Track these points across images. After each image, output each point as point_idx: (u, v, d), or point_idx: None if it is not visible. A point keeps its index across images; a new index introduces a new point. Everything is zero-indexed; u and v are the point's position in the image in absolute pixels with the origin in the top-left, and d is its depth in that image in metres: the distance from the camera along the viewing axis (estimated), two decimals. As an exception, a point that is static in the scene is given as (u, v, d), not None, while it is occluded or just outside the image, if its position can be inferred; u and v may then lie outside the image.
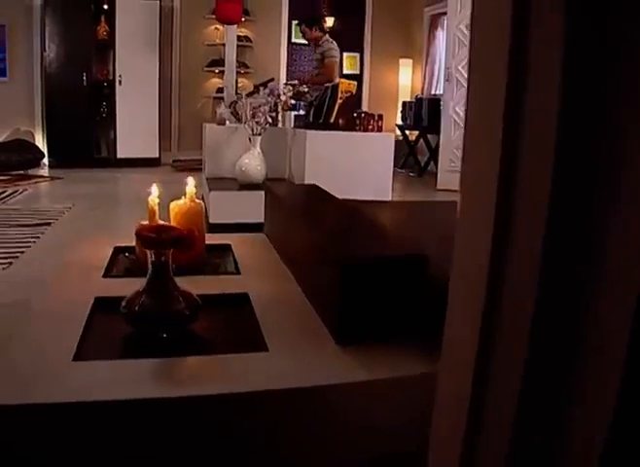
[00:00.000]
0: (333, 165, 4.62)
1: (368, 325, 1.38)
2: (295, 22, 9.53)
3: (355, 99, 5.03)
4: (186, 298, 1.40)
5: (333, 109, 4.72)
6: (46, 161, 8.44)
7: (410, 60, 9.94)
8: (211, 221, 4.49)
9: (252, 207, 4.52)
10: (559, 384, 0.64)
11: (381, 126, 4.81)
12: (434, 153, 8.61)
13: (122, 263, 1.84)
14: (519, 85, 0.63)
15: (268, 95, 4.86)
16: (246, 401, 1.16)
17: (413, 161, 9.13)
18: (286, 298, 1.60)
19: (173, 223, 1.78)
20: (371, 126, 4.71)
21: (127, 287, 1.48)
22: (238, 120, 5.34)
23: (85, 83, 8.57)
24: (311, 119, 4.83)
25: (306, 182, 4.59)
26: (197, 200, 1.84)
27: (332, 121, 4.71)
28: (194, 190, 1.83)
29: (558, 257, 0.62)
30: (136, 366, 1.23)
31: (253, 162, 4.66)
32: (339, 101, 4.71)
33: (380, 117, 4.85)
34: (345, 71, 9.80)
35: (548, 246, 0.61)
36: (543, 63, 0.60)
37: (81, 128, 8.64)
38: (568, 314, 0.62)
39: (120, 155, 8.74)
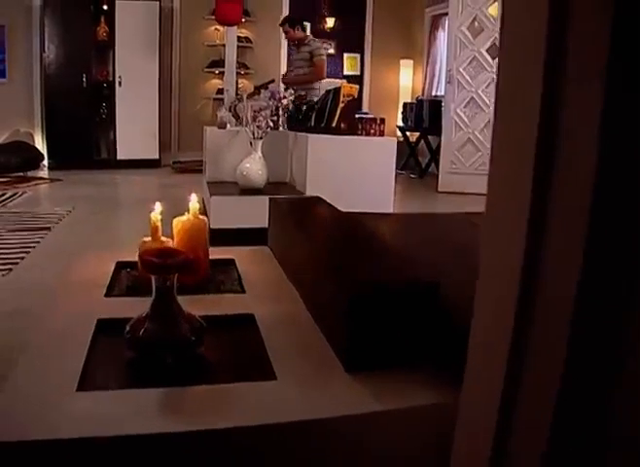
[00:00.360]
0: (334, 170, 4.59)
1: (378, 352, 1.35)
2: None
3: (356, 100, 4.98)
4: (191, 322, 1.37)
5: (335, 113, 4.68)
6: (45, 162, 8.40)
7: (411, 61, 9.90)
8: (212, 226, 4.45)
9: (253, 212, 4.49)
10: (594, 422, 0.61)
11: (383, 131, 4.77)
12: (435, 154, 8.58)
13: (124, 280, 1.81)
14: (558, 77, 0.59)
15: (270, 99, 4.82)
16: (255, 435, 1.12)
17: (414, 162, 9.10)
18: (293, 320, 1.57)
19: (176, 240, 1.75)
20: (373, 131, 4.68)
21: (130, 308, 1.45)
22: (239, 121, 5.31)
23: (84, 84, 8.53)
24: (313, 123, 4.79)
25: (308, 186, 4.56)
26: (201, 216, 1.81)
27: (334, 125, 4.68)
28: (197, 206, 1.80)
29: (599, 270, 0.58)
30: (141, 397, 1.19)
31: (254, 167, 4.63)
32: (341, 105, 4.67)
33: (382, 121, 4.82)
34: (346, 72, 9.78)
35: (588, 257, 0.57)
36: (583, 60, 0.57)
37: (80, 130, 8.60)
38: (608, 341, 0.59)
39: (120, 156, 8.70)
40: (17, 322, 2.90)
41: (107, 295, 1.68)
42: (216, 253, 1.98)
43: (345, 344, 1.33)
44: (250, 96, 7.90)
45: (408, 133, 9.23)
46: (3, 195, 6.38)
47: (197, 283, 1.68)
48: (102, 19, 8.56)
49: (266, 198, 4.50)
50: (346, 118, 4.74)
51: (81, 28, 8.47)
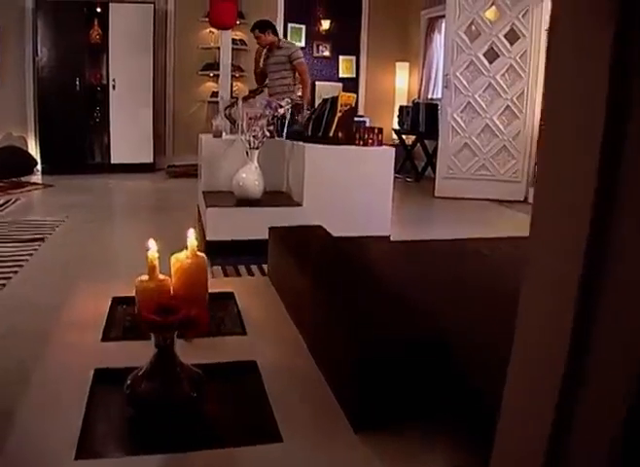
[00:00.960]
0: (332, 180, 4.54)
1: (388, 411, 1.30)
2: (291, 26, 9.46)
3: (353, 109, 4.93)
4: (191, 376, 1.32)
5: (332, 122, 4.62)
6: (39, 167, 8.33)
7: (407, 64, 9.84)
8: (208, 238, 4.41)
9: (250, 224, 4.44)
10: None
11: (381, 140, 4.72)
12: (431, 158, 8.54)
13: (120, 319, 1.75)
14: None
15: (266, 108, 4.76)
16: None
17: (410, 165, 9.05)
18: (298, 371, 1.51)
19: (174, 279, 1.70)
20: (370, 140, 4.62)
21: (129, 354, 1.41)
22: (234, 126, 5.26)
23: (78, 87, 8.45)
24: (309, 132, 4.73)
25: (305, 197, 4.52)
26: (200, 254, 1.76)
27: (331, 134, 4.62)
28: (195, 243, 1.75)
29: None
30: (143, 465, 1.14)
31: (250, 177, 4.58)
32: (339, 114, 4.61)
33: (380, 131, 4.76)
34: (341, 74, 9.71)
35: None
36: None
37: (74, 134, 8.53)
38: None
39: (114, 160, 8.63)
40: (10, 342, 2.84)
41: (104, 339, 1.63)
42: (215, 285, 1.92)
43: (354, 405, 1.28)
44: (245, 99, 7.87)
45: (404, 136, 9.18)
46: (-5, 203, 6.32)
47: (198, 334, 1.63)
48: (95, 22, 8.48)
49: (262, 210, 4.50)
50: (344, 127, 4.68)
51: (74, 31, 8.39)
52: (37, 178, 8.04)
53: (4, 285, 3.70)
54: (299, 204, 4.58)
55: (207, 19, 8.39)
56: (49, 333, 1.78)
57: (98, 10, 8.49)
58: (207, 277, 1.75)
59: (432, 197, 7.40)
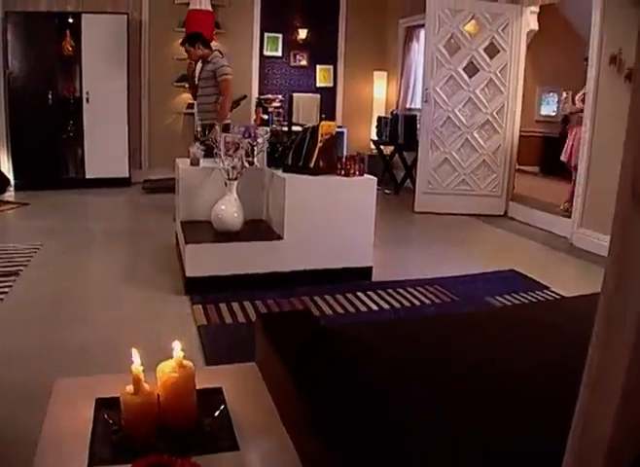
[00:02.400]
0: (314, 211, 4.47)
1: None
2: (267, 35, 9.33)
3: (334, 138, 4.84)
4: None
5: (313, 152, 4.53)
6: (11, 182, 8.14)
7: (385, 73, 9.76)
8: (188, 275, 4.31)
9: (230, 259, 4.37)
10: None
11: (363, 170, 4.64)
12: (410, 170, 8.48)
13: (107, 433, 1.64)
14: None
15: (245, 137, 4.66)
16: None
17: (389, 177, 8.99)
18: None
19: (161, 392, 1.61)
20: (352, 171, 4.54)
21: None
22: (214, 149, 5.14)
23: (50, 100, 8.26)
24: (290, 161, 4.63)
25: (286, 229, 4.43)
26: (186, 362, 1.67)
27: (312, 165, 4.53)
28: (181, 354, 1.66)
29: None
30: None
31: (229, 209, 4.49)
32: (320, 145, 4.52)
33: (362, 160, 4.69)
34: (319, 84, 9.61)
35: None
36: None
37: (47, 148, 8.34)
38: None
39: (88, 175, 8.45)
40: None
41: (91, 463, 1.52)
42: (202, 378, 1.82)
43: None
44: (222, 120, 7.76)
45: (382, 147, 9.11)
46: (-33, 226, 6.16)
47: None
48: (68, 33, 8.29)
49: (242, 245, 4.41)
50: (325, 156, 4.59)
51: (45, 43, 8.20)
52: (10, 195, 7.87)
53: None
54: (279, 237, 4.48)
55: (182, 29, 8.27)
56: (25, 453, 1.67)
57: (70, 21, 8.30)
58: (195, 387, 1.66)
59: (412, 211, 7.35)
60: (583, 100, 6.52)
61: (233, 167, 4.45)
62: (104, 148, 8.43)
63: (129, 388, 1.60)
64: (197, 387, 1.72)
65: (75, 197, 7.77)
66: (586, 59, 6.11)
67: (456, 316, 2.45)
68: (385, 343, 1.98)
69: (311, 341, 1.90)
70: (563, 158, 6.97)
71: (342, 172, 4.56)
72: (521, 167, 7.73)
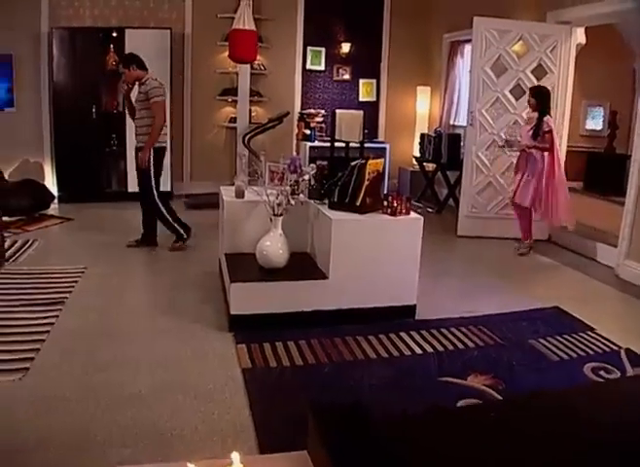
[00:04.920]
0: (359, 250, 4.43)
1: None
2: (310, 49, 9.30)
3: (381, 175, 4.81)
4: None
5: (359, 190, 4.49)
6: (55, 194, 8.23)
7: (429, 88, 9.68)
8: (232, 313, 4.31)
9: (274, 298, 4.35)
10: None
11: (409, 208, 4.59)
12: (452, 189, 8.41)
13: None
14: None
15: (291, 171, 4.63)
16: None
17: (431, 193, 8.92)
18: None
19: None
20: (399, 210, 4.49)
21: None
22: (257, 178, 5.15)
23: (94, 114, 8.35)
24: (336, 198, 4.60)
25: (331, 267, 4.39)
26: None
27: (358, 202, 4.49)
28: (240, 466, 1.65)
29: None
30: None
31: (275, 245, 4.47)
32: (366, 183, 4.49)
33: (409, 199, 4.64)
34: (361, 98, 9.56)
35: None
36: None
37: (90, 161, 8.46)
38: None
39: (131, 188, 8.49)
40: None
41: None
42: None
43: None
44: (261, 131, 7.73)
45: (424, 164, 9.04)
46: (13, 244, 6.23)
47: None
48: (111, 48, 8.36)
49: (287, 284, 4.39)
50: (371, 194, 4.56)
51: (90, 57, 8.30)
52: (54, 208, 7.96)
53: (27, 370, 3.60)
54: (324, 276, 4.46)
55: (225, 43, 8.27)
56: None
57: (114, 34, 8.37)
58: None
59: (454, 235, 7.28)
60: (534, 133, 6.33)
61: (279, 204, 4.43)
62: (146, 162, 8.47)
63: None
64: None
65: (117, 211, 7.83)
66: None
67: (529, 404, 2.38)
68: (442, 444, 1.94)
69: (362, 440, 1.87)
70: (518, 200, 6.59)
71: (389, 211, 4.52)
72: (565, 184, 7.59)
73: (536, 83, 6.89)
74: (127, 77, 6.12)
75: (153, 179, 6.13)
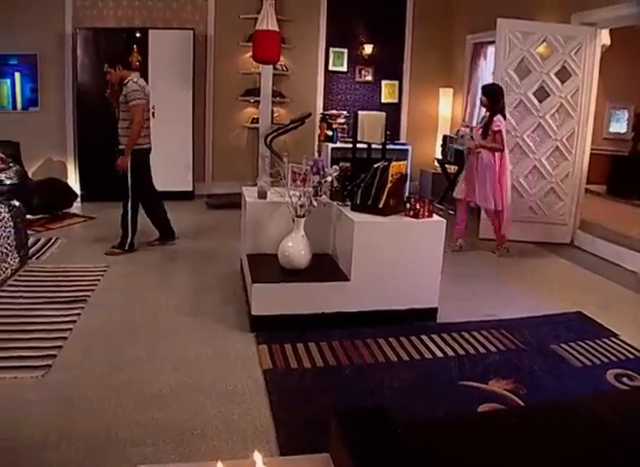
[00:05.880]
0: (381, 253, 4.42)
1: None
2: (332, 50, 9.30)
3: (404, 177, 4.80)
4: None
5: (382, 192, 4.48)
6: (78, 192, 8.29)
7: (451, 90, 9.63)
8: (253, 313, 4.32)
9: (296, 299, 4.35)
10: None
11: (432, 211, 4.57)
12: (475, 192, 8.36)
13: None
14: None
15: (313, 173, 4.64)
16: None
17: (452, 196, 8.88)
18: None
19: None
20: (421, 212, 4.47)
21: None
22: (279, 179, 5.15)
23: (117, 113, 8.37)
24: (358, 200, 4.59)
25: (353, 269, 4.38)
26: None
27: (381, 205, 4.48)
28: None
29: None
30: None
31: (297, 247, 4.47)
32: (389, 185, 4.47)
33: (431, 201, 4.62)
34: (384, 99, 9.54)
35: None
36: None
37: (113, 160, 8.44)
38: None
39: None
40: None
41: None
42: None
43: None
44: (283, 132, 7.71)
45: (446, 166, 9.00)
46: (36, 242, 6.28)
47: None
48: (135, 48, 8.40)
49: (309, 286, 4.38)
50: (394, 196, 4.55)
51: (113, 57, 8.24)
52: (77, 206, 8.01)
53: (49, 367, 3.63)
54: (346, 278, 4.45)
55: (248, 44, 8.27)
56: None
57: (138, 35, 8.41)
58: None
59: (476, 238, 7.23)
60: (483, 132, 6.31)
61: (301, 206, 4.43)
62: (168, 161, 8.51)
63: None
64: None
65: (139, 210, 7.85)
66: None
67: (551, 410, 2.36)
68: (467, 450, 1.92)
69: (386, 444, 1.86)
70: (459, 195, 6.70)
71: (411, 213, 4.50)
72: (588, 187, 7.50)
73: (560, 85, 6.84)
74: (113, 77, 6.08)
75: (130, 180, 6.11)
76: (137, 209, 6.26)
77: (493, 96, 6.28)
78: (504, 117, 6.28)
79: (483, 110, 6.55)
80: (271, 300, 4.33)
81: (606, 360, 4.07)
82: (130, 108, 5.97)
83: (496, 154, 6.25)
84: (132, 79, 6.05)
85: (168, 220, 6.48)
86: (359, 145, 5.81)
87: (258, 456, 1.68)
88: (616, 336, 4.50)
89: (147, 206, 6.40)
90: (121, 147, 6.13)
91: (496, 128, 6.18)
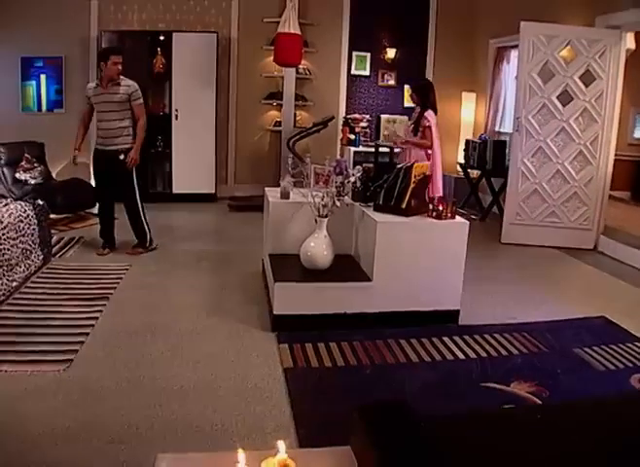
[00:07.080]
0: (403, 253, 4.40)
1: None
2: (355, 54, 9.31)
3: (428, 178, 4.78)
4: None
5: (405, 193, 4.47)
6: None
7: (474, 94, 9.59)
8: (275, 312, 4.32)
9: (318, 299, 4.35)
10: None
11: (455, 212, 4.54)
12: (497, 196, 8.32)
13: None
14: None
15: (337, 173, 4.64)
16: None
17: (475, 200, 8.85)
18: None
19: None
20: (444, 213, 4.45)
21: None
22: (303, 180, 5.16)
23: (141, 116, 8.45)
24: (381, 200, 4.58)
25: (375, 269, 4.37)
26: (289, 461, 1.65)
27: (403, 205, 4.47)
28: (285, 456, 1.64)
29: None
30: None
31: (319, 247, 4.46)
32: (412, 185, 4.46)
33: (454, 202, 4.60)
34: (406, 104, 9.52)
35: None
36: None
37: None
38: None
39: (175, 190, 8.65)
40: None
41: None
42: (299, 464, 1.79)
43: None
44: (307, 135, 7.73)
45: (469, 171, 8.96)
46: (60, 241, 6.33)
47: None
48: (159, 51, 8.47)
49: (331, 286, 4.38)
50: (417, 197, 4.54)
51: (137, 60, 8.35)
52: (100, 207, 8.07)
53: (71, 362, 3.65)
54: (368, 279, 4.44)
55: (271, 47, 8.32)
56: None
57: (162, 38, 8.48)
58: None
59: (498, 242, 7.19)
60: (414, 128, 6.26)
61: (324, 206, 4.43)
62: (192, 164, 8.60)
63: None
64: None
65: (162, 212, 7.89)
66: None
67: (574, 407, 2.34)
68: (489, 443, 1.91)
69: (408, 437, 1.85)
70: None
71: (434, 214, 4.48)
72: (612, 193, 7.42)
73: (584, 89, 6.79)
74: (116, 72, 5.82)
75: (135, 179, 6.14)
76: (143, 205, 6.27)
77: (421, 91, 6.26)
78: (435, 112, 6.26)
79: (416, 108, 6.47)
80: (293, 299, 4.33)
81: (630, 365, 4.02)
82: (136, 107, 5.99)
83: (429, 151, 6.23)
84: (124, 78, 5.93)
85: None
86: (381, 149, 5.80)
87: (282, 444, 1.68)
88: (640, 340, 4.46)
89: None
90: (119, 147, 6.03)
91: (427, 124, 6.15)
